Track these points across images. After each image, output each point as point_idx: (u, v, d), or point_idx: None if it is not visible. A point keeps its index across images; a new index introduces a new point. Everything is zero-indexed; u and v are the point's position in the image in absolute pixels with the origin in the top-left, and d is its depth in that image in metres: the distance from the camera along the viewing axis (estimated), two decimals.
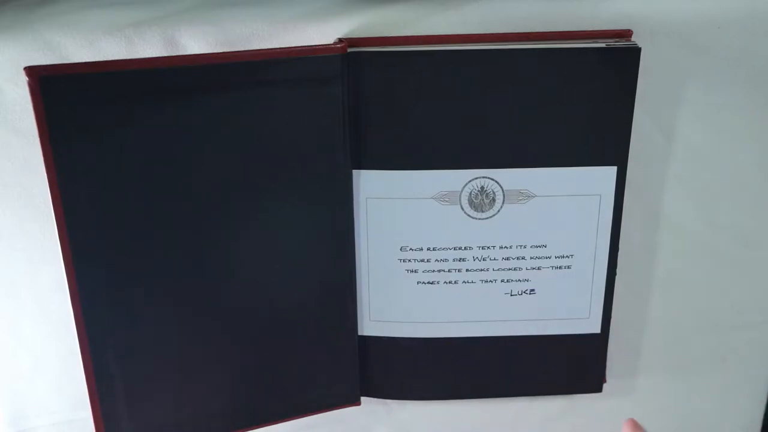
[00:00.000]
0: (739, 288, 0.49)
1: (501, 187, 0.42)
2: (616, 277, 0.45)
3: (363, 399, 0.48)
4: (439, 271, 0.44)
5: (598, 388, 0.48)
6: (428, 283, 0.44)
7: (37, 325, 0.46)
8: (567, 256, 0.44)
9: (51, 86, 0.35)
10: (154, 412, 0.44)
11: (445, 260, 0.44)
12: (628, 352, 0.50)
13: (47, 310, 0.46)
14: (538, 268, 0.44)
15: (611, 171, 0.42)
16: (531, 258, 0.44)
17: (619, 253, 0.44)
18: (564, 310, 0.45)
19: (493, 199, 0.42)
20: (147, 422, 0.44)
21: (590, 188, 0.42)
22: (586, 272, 0.44)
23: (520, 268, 0.44)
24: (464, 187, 0.42)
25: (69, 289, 0.39)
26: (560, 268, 0.44)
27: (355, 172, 0.42)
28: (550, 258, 0.44)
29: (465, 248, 0.44)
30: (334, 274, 0.44)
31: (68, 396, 0.48)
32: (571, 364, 0.47)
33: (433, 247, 0.44)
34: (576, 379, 0.48)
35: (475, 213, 0.43)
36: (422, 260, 0.44)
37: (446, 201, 0.42)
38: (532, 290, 0.45)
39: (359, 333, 0.46)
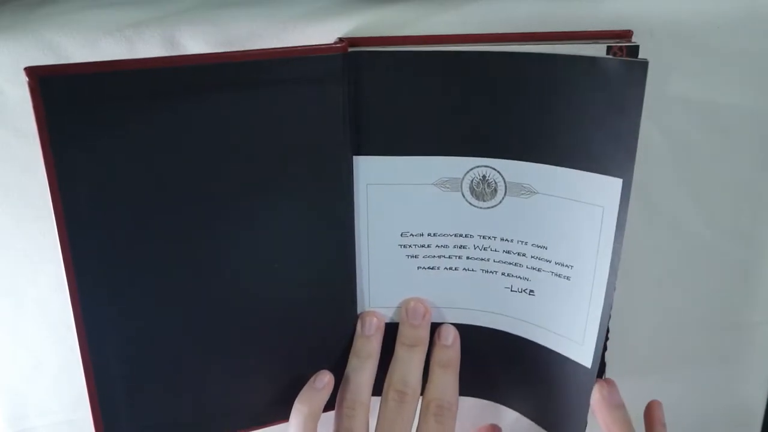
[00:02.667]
0: (739, 288, 0.49)
1: (503, 178, 0.42)
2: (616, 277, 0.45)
3: None
4: (439, 257, 0.44)
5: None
6: (428, 268, 0.44)
7: (37, 325, 0.46)
8: (567, 266, 0.43)
9: (51, 86, 0.35)
10: (154, 412, 0.44)
11: (446, 246, 0.44)
12: (627, 352, 0.50)
13: (47, 310, 0.46)
14: (539, 270, 0.44)
15: (616, 183, 0.40)
16: (531, 257, 0.44)
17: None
18: (560, 325, 0.44)
19: (495, 189, 0.42)
20: (147, 422, 0.44)
21: (593, 197, 0.41)
22: (584, 289, 0.42)
23: (521, 265, 0.44)
24: (466, 174, 0.42)
25: (69, 289, 0.39)
26: (560, 276, 0.43)
27: (355, 158, 0.42)
28: (550, 262, 0.43)
29: (466, 236, 0.44)
30: (335, 260, 0.44)
31: (68, 396, 0.48)
32: (557, 391, 0.45)
33: (434, 233, 0.43)
34: (560, 411, 0.46)
35: (477, 201, 0.43)
36: (423, 246, 0.44)
37: (447, 188, 0.42)
38: (532, 291, 0.44)
39: None
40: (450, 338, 0.45)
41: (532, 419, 0.49)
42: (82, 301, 0.40)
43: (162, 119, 0.38)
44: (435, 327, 0.46)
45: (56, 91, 0.36)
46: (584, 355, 0.43)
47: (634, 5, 0.41)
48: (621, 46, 0.39)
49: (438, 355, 0.45)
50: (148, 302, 0.41)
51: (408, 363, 0.44)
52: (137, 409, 0.43)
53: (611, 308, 0.42)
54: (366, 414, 0.43)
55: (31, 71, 0.35)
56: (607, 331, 0.43)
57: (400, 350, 0.44)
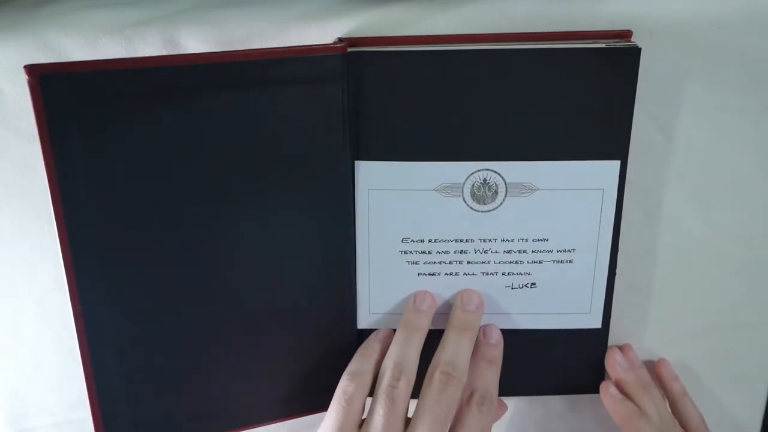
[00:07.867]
0: (739, 288, 0.49)
1: (504, 180, 0.42)
2: (616, 278, 0.45)
3: None
4: (440, 263, 0.44)
5: (597, 388, 0.48)
6: (429, 274, 0.44)
7: (37, 325, 0.46)
8: (569, 251, 0.44)
9: (51, 85, 0.35)
10: (154, 412, 0.44)
11: (447, 252, 0.44)
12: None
13: (47, 310, 0.46)
14: (540, 262, 0.44)
15: (614, 165, 0.42)
16: (532, 252, 0.44)
17: (619, 254, 0.44)
18: (565, 305, 0.45)
19: (496, 192, 0.42)
20: (146, 422, 0.44)
21: (593, 182, 0.42)
22: (588, 267, 0.44)
23: (522, 262, 0.44)
24: (467, 179, 0.42)
25: (69, 289, 0.39)
26: (562, 262, 0.44)
27: (356, 163, 0.42)
28: (551, 252, 0.44)
29: (467, 240, 0.44)
30: (335, 266, 0.44)
31: (68, 396, 0.48)
32: (571, 361, 0.47)
33: (435, 239, 0.44)
34: (576, 376, 0.48)
35: (478, 205, 0.43)
36: (423, 252, 0.44)
37: (449, 193, 0.42)
38: (533, 284, 0.45)
39: (358, 326, 0.46)
40: (495, 337, 0.45)
41: (545, 394, 0.50)
42: (82, 301, 0.40)
43: (161, 118, 0.38)
44: (437, 334, 0.46)
45: (56, 90, 0.36)
46: (593, 321, 0.46)
47: (634, 5, 0.41)
48: (620, 47, 0.40)
49: (484, 351, 0.44)
50: (148, 302, 0.41)
51: (457, 346, 0.43)
52: (137, 409, 0.43)
53: (615, 275, 0.45)
54: (409, 388, 0.41)
55: (31, 69, 0.35)
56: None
57: (450, 334, 0.43)
